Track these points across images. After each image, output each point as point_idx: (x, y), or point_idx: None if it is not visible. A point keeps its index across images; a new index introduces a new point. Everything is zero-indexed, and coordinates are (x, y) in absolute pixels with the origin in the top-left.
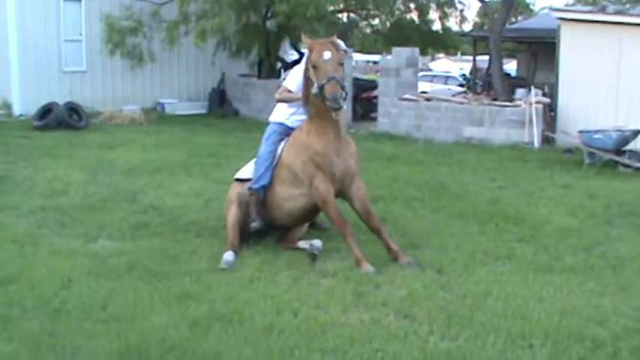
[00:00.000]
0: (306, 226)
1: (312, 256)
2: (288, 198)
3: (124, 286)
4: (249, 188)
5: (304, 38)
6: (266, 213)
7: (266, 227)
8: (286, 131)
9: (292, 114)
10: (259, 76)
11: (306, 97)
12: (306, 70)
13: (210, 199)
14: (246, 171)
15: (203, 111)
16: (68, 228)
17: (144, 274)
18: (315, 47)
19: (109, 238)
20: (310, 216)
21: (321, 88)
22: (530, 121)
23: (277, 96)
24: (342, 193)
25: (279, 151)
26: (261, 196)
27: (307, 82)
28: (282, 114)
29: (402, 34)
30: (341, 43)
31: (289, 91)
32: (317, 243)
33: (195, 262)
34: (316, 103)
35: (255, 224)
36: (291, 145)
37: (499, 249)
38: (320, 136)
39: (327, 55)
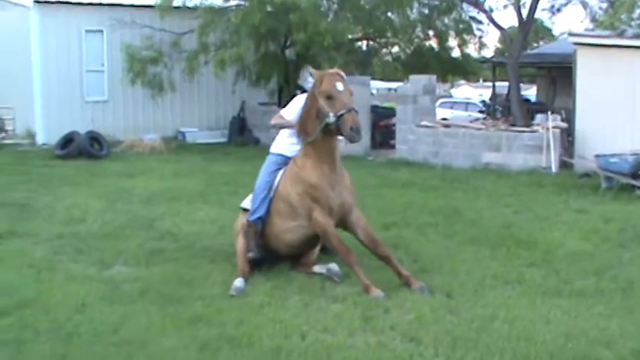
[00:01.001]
0: (317, 249)
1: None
2: (287, 230)
3: (136, 311)
4: (247, 220)
5: (311, 69)
6: (267, 244)
7: (268, 257)
8: (285, 161)
9: (292, 144)
10: (279, 104)
11: (304, 127)
12: (312, 98)
13: (224, 225)
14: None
15: (223, 139)
16: (85, 254)
17: (157, 298)
18: (325, 78)
19: (124, 264)
20: (312, 245)
21: (339, 118)
22: (548, 146)
23: (272, 121)
24: (342, 226)
25: (276, 182)
26: (258, 227)
27: (311, 111)
28: (282, 144)
29: (421, 61)
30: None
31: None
32: (334, 267)
33: (208, 287)
34: (315, 134)
35: (251, 255)
36: (286, 177)
37: (509, 273)
38: (315, 169)
39: (340, 85)
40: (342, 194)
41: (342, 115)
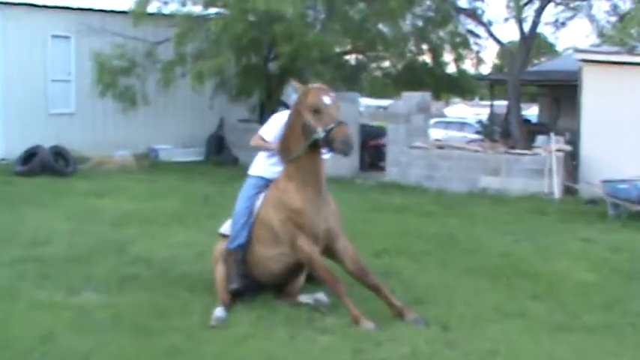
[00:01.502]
0: (303, 278)
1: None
2: (269, 258)
3: (108, 341)
4: (227, 248)
5: (294, 83)
6: (248, 272)
7: (250, 286)
8: (266, 184)
9: (272, 165)
10: (260, 121)
11: (287, 145)
12: (296, 114)
13: (203, 251)
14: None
15: (200, 158)
16: (50, 280)
17: (130, 328)
18: (311, 91)
19: (94, 290)
20: (297, 274)
21: (328, 132)
22: (550, 170)
23: (252, 143)
24: (328, 254)
25: (256, 206)
26: (239, 255)
27: (295, 128)
28: (261, 166)
29: (414, 77)
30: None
31: (264, 140)
32: (322, 297)
33: (186, 317)
34: (300, 151)
35: (234, 286)
36: (267, 202)
37: (510, 306)
38: (298, 192)
39: (327, 99)
40: (328, 219)
41: (331, 129)
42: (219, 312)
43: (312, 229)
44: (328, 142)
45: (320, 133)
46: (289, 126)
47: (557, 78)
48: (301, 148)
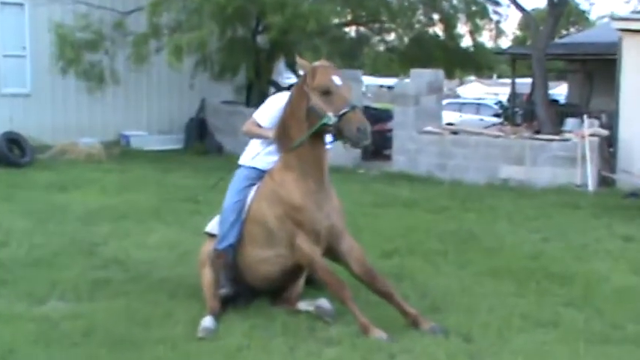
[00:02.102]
0: (302, 282)
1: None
2: (263, 260)
3: (80, 356)
4: (215, 249)
5: (299, 59)
6: (240, 276)
7: (242, 292)
8: (259, 176)
9: (267, 154)
10: (248, 104)
11: (286, 131)
12: (300, 95)
13: (186, 252)
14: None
15: (178, 146)
16: (9, 287)
17: (106, 341)
18: (319, 70)
19: (61, 298)
20: (294, 278)
21: (340, 117)
22: (583, 158)
23: (244, 128)
24: (330, 255)
25: (248, 201)
26: (229, 257)
27: (299, 111)
28: (254, 155)
29: (423, 52)
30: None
31: (259, 126)
32: (325, 304)
33: (170, 327)
34: (303, 138)
35: (224, 291)
36: (261, 196)
37: (542, 313)
38: (298, 185)
39: (337, 79)
40: (331, 216)
41: (344, 113)
42: (207, 322)
43: (313, 226)
44: (339, 130)
45: (331, 118)
46: (290, 109)
47: (589, 51)
48: (305, 135)
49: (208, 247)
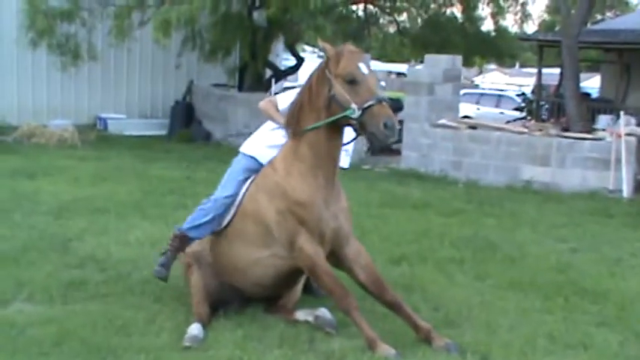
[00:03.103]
0: (299, 289)
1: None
2: (255, 262)
3: None
4: (180, 230)
5: (322, 42)
6: (228, 280)
7: (232, 299)
8: (259, 169)
9: (270, 146)
10: (240, 88)
11: (300, 118)
12: (321, 81)
13: None
14: None
15: (161, 132)
16: None
17: (81, 349)
18: (344, 55)
19: (29, 300)
20: (290, 284)
21: (365, 110)
22: (618, 160)
23: (260, 104)
24: (334, 261)
25: (240, 194)
26: (185, 245)
27: (318, 98)
28: (259, 144)
29: (438, 35)
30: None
31: (276, 110)
32: (325, 314)
33: (153, 335)
34: (319, 124)
35: (158, 270)
36: (259, 188)
37: (571, 333)
38: (305, 178)
39: (364, 67)
40: (338, 217)
41: (370, 106)
42: (194, 329)
43: (318, 225)
44: (363, 124)
45: (355, 110)
46: (307, 95)
47: (629, 39)
48: (322, 122)
49: (193, 247)
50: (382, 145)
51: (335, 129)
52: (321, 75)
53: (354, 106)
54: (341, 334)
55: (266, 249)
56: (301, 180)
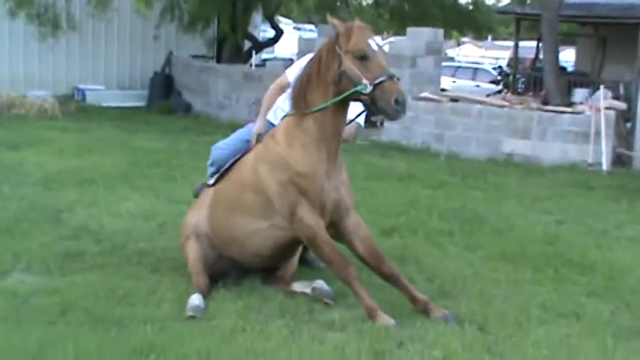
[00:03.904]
0: (296, 260)
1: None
2: (254, 232)
3: (59, 336)
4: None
5: (331, 18)
6: (226, 251)
7: (230, 270)
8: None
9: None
10: (219, 60)
11: (307, 94)
12: (330, 56)
13: (164, 222)
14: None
15: (140, 103)
16: None
17: (86, 319)
18: (355, 31)
19: (27, 271)
20: (288, 255)
21: (376, 86)
22: (597, 133)
23: (272, 87)
24: (333, 233)
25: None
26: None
27: (326, 73)
28: (278, 109)
29: (416, 8)
30: None
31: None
32: (322, 285)
33: (155, 305)
34: (328, 103)
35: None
36: (260, 159)
37: (563, 304)
38: (308, 150)
39: (373, 43)
40: (340, 189)
41: (381, 82)
42: (195, 299)
43: (319, 196)
44: (373, 100)
45: (367, 86)
46: (315, 70)
47: (604, 14)
48: (332, 100)
49: (190, 218)
50: (392, 120)
51: (342, 104)
52: (330, 50)
53: (365, 81)
54: (340, 305)
55: (265, 220)
56: (303, 152)
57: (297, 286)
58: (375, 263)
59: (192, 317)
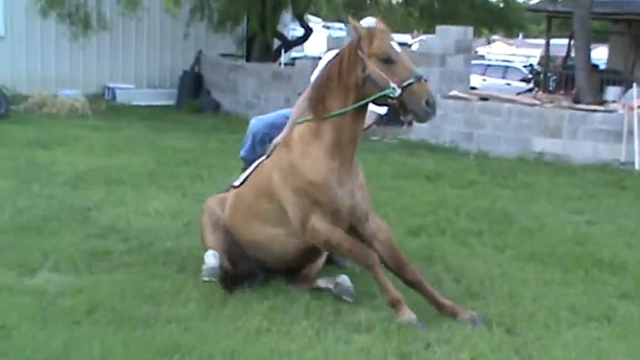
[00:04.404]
0: (323, 258)
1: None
2: (272, 239)
3: (85, 336)
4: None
5: (352, 20)
6: (253, 254)
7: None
8: None
9: None
10: (248, 58)
11: (326, 97)
12: (353, 60)
13: (190, 221)
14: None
15: (170, 102)
16: None
17: (112, 318)
18: (377, 35)
19: (55, 270)
20: (311, 258)
21: (404, 89)
22: (630, 132)
23: (301, 97)
24: (354, 237)
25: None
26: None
27: (348, 77)
28: None
29: (446, 6)
30: None
31: None
32: (345, 281)
33: (181, 304)
34: (349, 108)
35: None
36: (273, 165)
37: (593, 306)
38: (323, 159)
39: (396, 46)
40: (355, 194)
41: (409, 84)
42: (210, 258)
43: (332, 206)
44: (402, 103)
45: (395, 90)
46: (336, 74)
47: (637, 10)
48: (355, 104)
49: (212, 203)
50: (422, 122)
51: (361, 109)
52: (352, 54)
53: (393, 85)
54: (366, 305)
55: (281, 227)
56: (318, 161)
57: (322, 283)
58: (396, 267)
59: (208, 282)
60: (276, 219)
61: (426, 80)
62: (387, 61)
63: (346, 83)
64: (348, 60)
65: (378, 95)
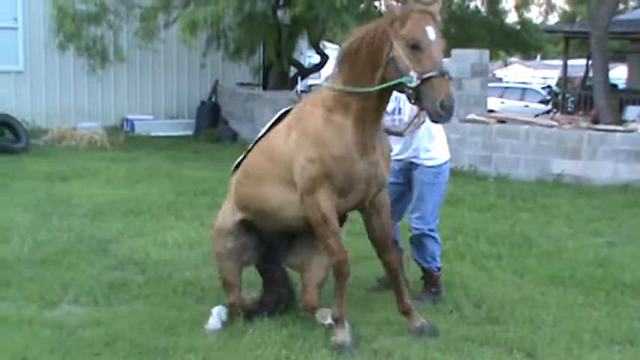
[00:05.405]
0: (325, 265)
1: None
2: (281, 204)
3: None
4: None
5: (385, 1)
6: (260, 226)
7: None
8: None
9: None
10: (265, 87)
11: (352, 67)
12: (381, 38)
13: (209, 251)
14: None
15: (188, 132)
16: (14, 288)
17: (132, 350)
18: (412, 17)
19: (75, 302)
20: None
21: (423, 81)
22: None
23: None
24: (360, 206)
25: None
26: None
27: (375, 56)
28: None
29: (463, 29)
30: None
31: None
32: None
33: (200, 335)
34: (373, 88)
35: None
36: (291, 127)
37: (615, 328)
38: (345, 130)
39: (432, 32)
40: (379, 165)
41: (430, 77)
42: (219, 312)
43: (346, 180)
44: (418, 95)
45: (413, 79)
46: (366, 47)
47: None
48: (378, 87)
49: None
50: (434, 122)
51: (386, 93)
52: (383, 32)
53: (412, 73)
54: (386, 333)
55: (292, 193)
56: (340, 132)
57: (319, 315)
58: (382, 248)
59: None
60: (289, 183)
61: (450, 78)
62: (415, 47)
63: (374, 59)
64: (379, 37)
65: (395, 82)
